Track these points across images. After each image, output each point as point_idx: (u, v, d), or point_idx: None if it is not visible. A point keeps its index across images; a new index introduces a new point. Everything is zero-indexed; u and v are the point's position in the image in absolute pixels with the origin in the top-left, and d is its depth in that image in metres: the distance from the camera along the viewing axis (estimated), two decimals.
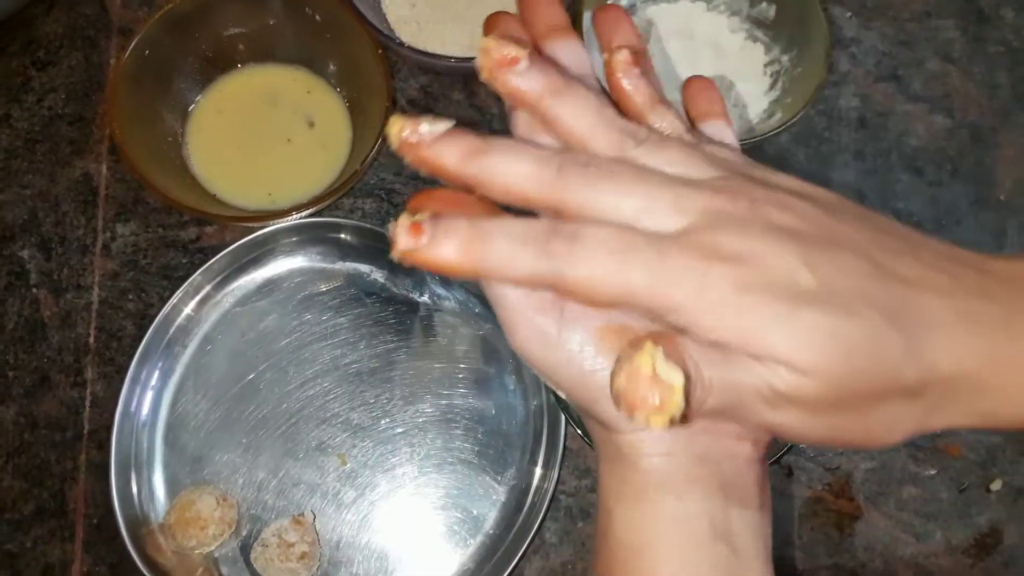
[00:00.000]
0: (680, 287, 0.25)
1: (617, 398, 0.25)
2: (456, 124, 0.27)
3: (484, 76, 0.28)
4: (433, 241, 0.25)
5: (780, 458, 0.54)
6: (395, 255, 0.26)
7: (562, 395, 0.30)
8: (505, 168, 0.26)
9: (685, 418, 0.24)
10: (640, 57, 0.32)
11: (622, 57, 0.31)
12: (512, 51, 0.27)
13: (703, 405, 0.25)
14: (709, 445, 0.29)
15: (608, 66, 0.32)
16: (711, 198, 0.26)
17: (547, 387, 0.54)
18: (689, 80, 0.35)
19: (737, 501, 0.29)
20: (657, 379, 0.24)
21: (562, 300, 0.29)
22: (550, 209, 0.27)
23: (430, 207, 0.29)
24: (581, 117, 0.28)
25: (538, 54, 0.29)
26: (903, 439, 0.27)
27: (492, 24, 0.33)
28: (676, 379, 0.24)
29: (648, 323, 0.29)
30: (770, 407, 0.26)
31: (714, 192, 0.26)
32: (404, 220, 0.26)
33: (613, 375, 0.25)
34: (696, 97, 0.35)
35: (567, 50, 0.32)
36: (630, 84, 0.31)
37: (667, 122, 0.31)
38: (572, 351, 0.28)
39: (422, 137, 0.26)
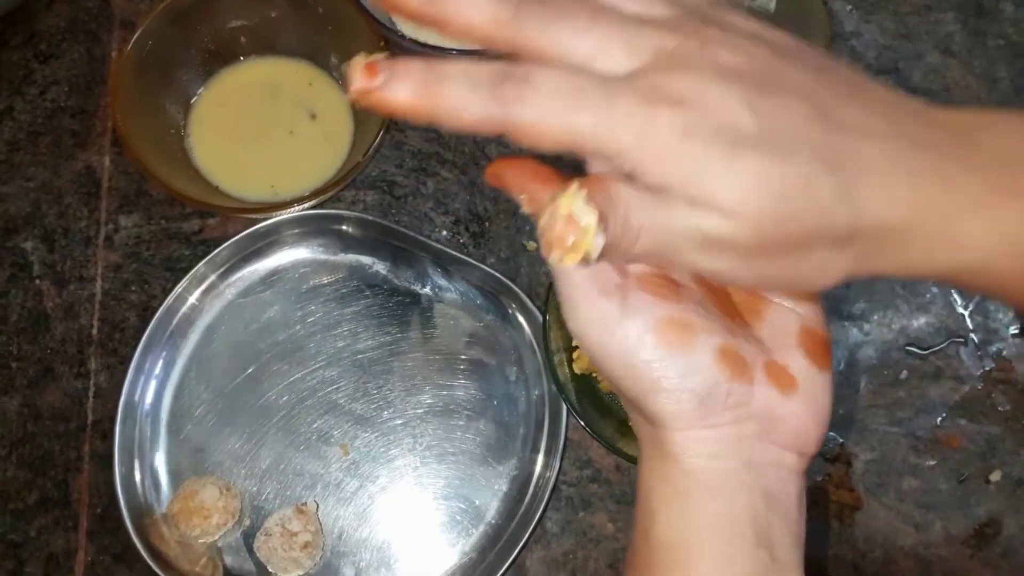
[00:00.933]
0: (625, 132, 0.24)
1: (539, 236, 0.25)
2: None
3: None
4: (388, 82, 0.25)
5: None
6: (350, 95, 0.25)
7: (609, 381, 0.30)
8: (465, 7, 0.26)
9: (601, 257, 0.25)
10: None
11: None
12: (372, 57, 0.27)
13: (631, 248, 0.25)
14: (757, 452, 0.29)
15: None
16: (663, 38, 0.26)
17: (549, 378, 0.54)
18: None
19: (779, 510, 0.29)
20: (572, 219, 0.24)
21: (627, 287, 0.28)
22: (508, 49, 0.26)
23: (508, 175, 0.29)
24: None
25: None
26: (834, 284, 0.27)
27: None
28: (589, 219, 0.24)
29: (705, 316, 0.29)
30: (702, 251, 0.26)
31: (667, 32, 0.26)
32: (360, 59, 0.25)
33: (539, 215, 0.25)
34: None
35: None
36: None
37: None
38: (630, 339, 0.28)
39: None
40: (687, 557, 0.29)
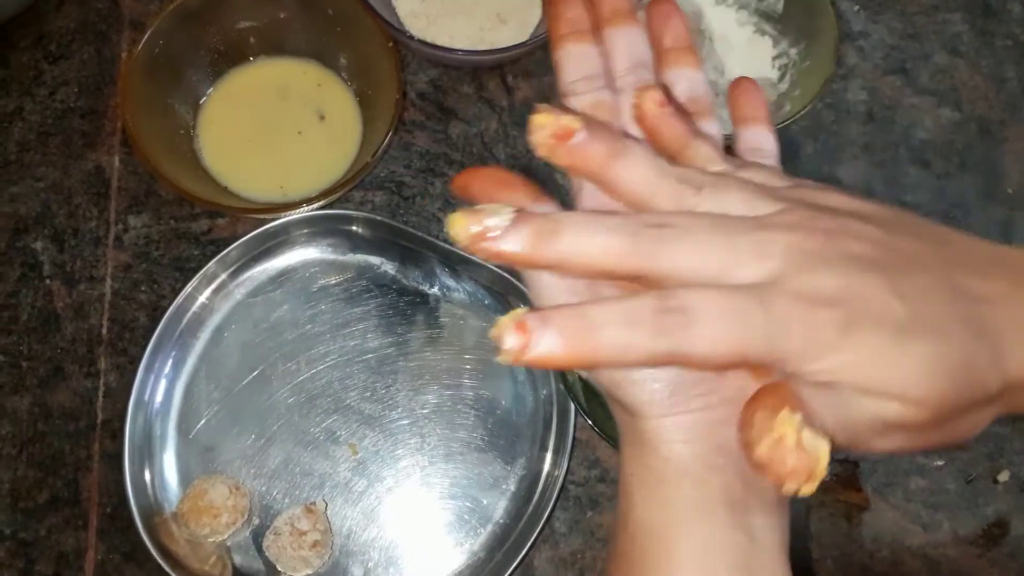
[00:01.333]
0: (790, 338, 0.25)
1: (759, 466, 0.25)
2: (516, 210, 0.26)
3: (542, 152, 0.28)
4: (542, 340, 0.24)
5: None
6: (502, 359, 0.24)
7: (584, 375, 0.30)
8: (580, 247, 0.26)
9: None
10: (671, 95, 0.32)
11: (652, 100, 0.31)
12: (567, 122, 0.28)
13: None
14: (730, 435, 0.29)
15: (638, 109, 0.31)
16: (788, 238, 0.27)
17: (556, 377, 0.54)
18: (736, 81, 0.36)
19: (756, 492, 0.29)
20: (803, 448, 0.24)
21: (596, 285, 0.29)
22: (635, 279, 0.27)
23: (474, 185, 0.30)
24: (640, 175, 0.28)
25: (590, 121, 0.29)
26: (979, 432, 0.29)
27: (554, 6, 0.34)
28: (822, 448, 0.24)
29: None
30: (880, 436, 0.27)
31: (789, 231, 0.27)
32: (508, 321, 0.24)
33: (751, 442, 0.25)
34: (740, 100, 0.36)
35: (628, 37, 0.33)
36: (663, 124, 0.31)
37: (703, 154, 0.31)
38: None
39: (490, 231, 0.26)
40: (664, 540, 0.29)
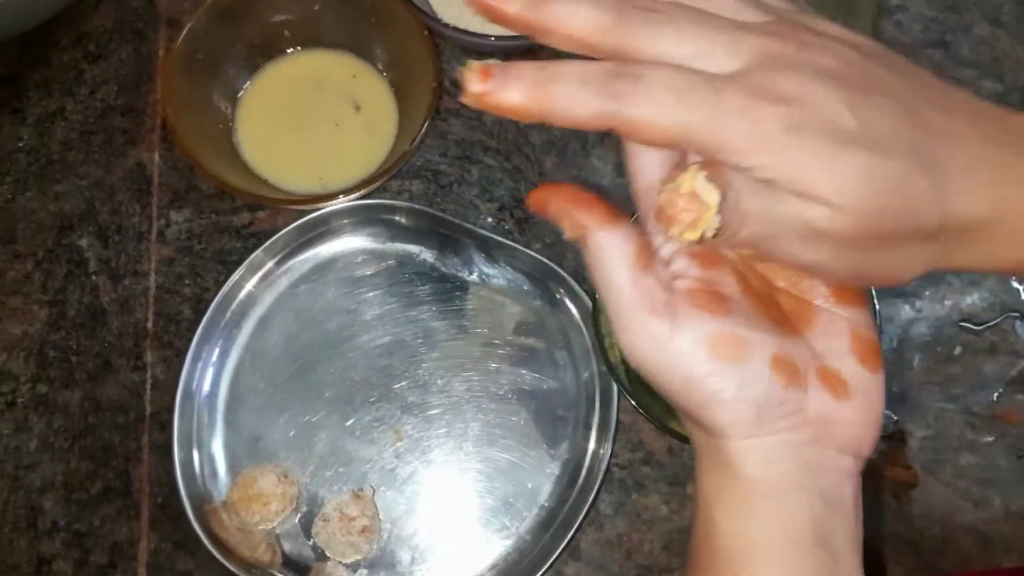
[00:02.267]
0: (734, 126, 0.26)
1: (657, 212, 0.26)
2: None
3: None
4: (502, 84, 0.26)
5: None
6: (466, 99, 0.27)
7: (664, 395, 0.31)
8: (567, 15, 0.27)
9: (714, 238, 0.26)
10: None
11: None
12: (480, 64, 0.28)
13: (738, 233, 0.26)
14: (813, 456, 0.29)
15: None
16: (763, 41, 0.27)
17: (598, 359, 0.54)
18: None
19: (837, 512, 0.30)
20: (695, 196, 0.25)
21: (675, 304, 0.29)
22: (612, 55, 0.27)
23: (552, 203, 0.30)
24: None
25: None
26: (914, 278, 0.29)
27: None
28: (712, 197, 0.25)
29: (756, 327, 0.29)
30: (802, 242, 0.27)
31: (766, 35, 0.27)
32: (475, 65, 0.26)
33: (658, 192, 0.26)
34: None
35: None
36: None
37: None
38: (684, 354, 0.28)
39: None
40: (749, 561, 0.30)
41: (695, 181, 0.25)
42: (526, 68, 0.26)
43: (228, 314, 0.56)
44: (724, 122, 0.26)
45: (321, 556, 0.53)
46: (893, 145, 0.26)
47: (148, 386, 0.56)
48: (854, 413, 0.30)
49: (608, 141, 0.61)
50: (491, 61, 0.26)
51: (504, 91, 0.26)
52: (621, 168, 0.61)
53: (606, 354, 0.51)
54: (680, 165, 0.27)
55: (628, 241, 0.29)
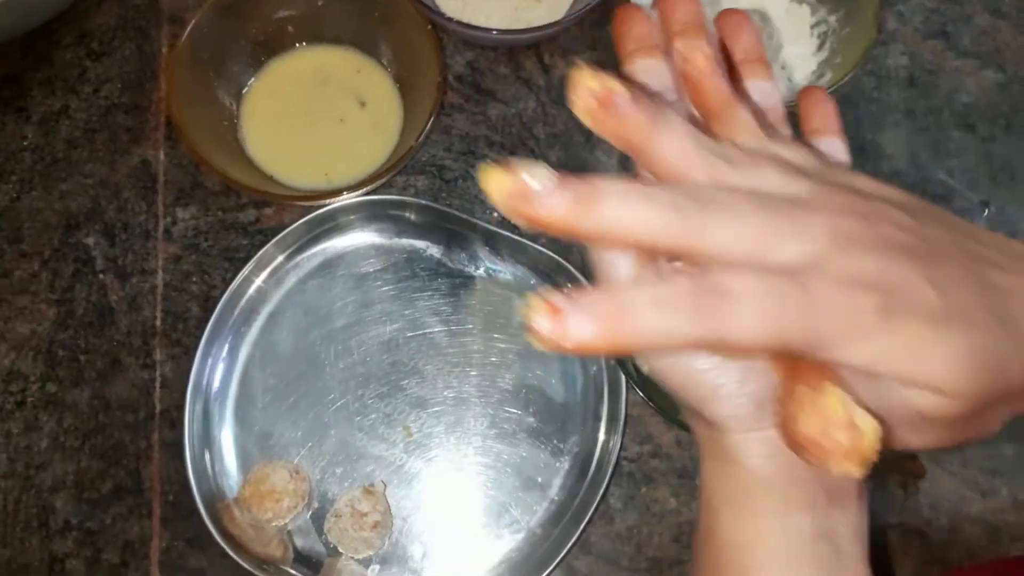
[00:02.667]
0: (828, 321, 0.24)
1: (804, 443, 0.24)
2: (554, 169, 0.25)
3: (582, 114, 0.26)
4: (575, 325, 0.23)
5: None
6: (536, 344, 0.23)
7: (666, 389, 0.31)
8: (622, 217, 0.24)
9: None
10: (720, 57, 0.32)
11: (701, 53, 0.31)
12: (611, 84, 0.26)
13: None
14: None
15: (686, 63, 0.31)
16: (827, 220, 0.26)
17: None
18: (805, 91, 0.36)
19: (839, 503, 0.30)
20: (853, 426, 0.23)
21: (658, 261, 0.29)
22: (672, 254, 0.26)
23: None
24: (678, 146, 0.27)
25: (631, 87, 0.27)
26: (1001, 429, 0.29)
27: (623, 20, 0.33)
28: (871, 425, 0.23)
29: None
30: (912, 429, 0.27)
31: (826, 213, 0.26)
32: (537, 302, 0.23)
33: (790, 419, 0.24)
34: (810, 110, 0.35)
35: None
36: (709, 81, 0.31)
37: (743, 120, 0.30)
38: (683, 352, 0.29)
39: (528, 191, 0.24)
40: (752, 553, 0.30)
41: (847, 408, 0.24)
42: (597, 302, 0.23)
43: (237, 311, 0.56)
44: (818, 318, 0.24)
45: (333, 552, 0.53)
46: (978, 315, 0.26)
47: (157, 384, 0.56)
48: None
49: None
50: (554, 297, 0.23)
51: (577, 331, 0.23)
52: (625, 162, 0.61)
53: None
54: (794, 376, 0.25)
55: None
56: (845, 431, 0.23)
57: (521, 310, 0.24)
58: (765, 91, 0.34)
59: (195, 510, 0.52)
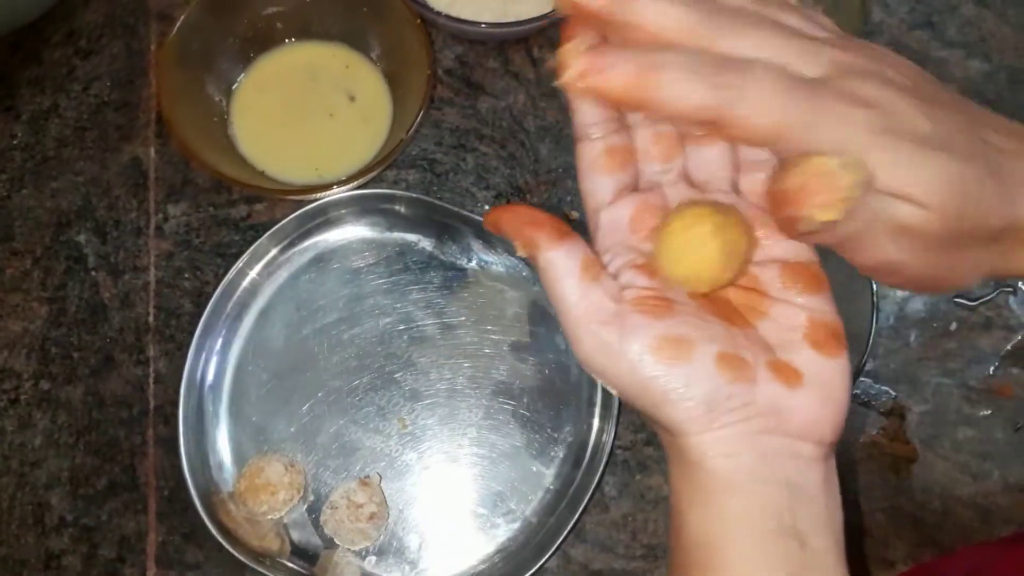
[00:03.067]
0: (826, 127, 0.27)
1: (787, 197, 0.27)
2: None
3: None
4: (605, 65, 0.26)
5: None
6: (565, 80, 0.26)
7: (624, 400, 0.32)
8: (655, 12, 0.27)
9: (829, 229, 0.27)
10: None
11: None
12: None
13: (845, 225, 0.27)
14: (770, 444, 0.30)
15: None
16: (838, 52, 0.28)
17: None
18: None
19: (803, 498, 0.30)
20: (832, 175, 0.26)
21: (623, 313, 0.30)
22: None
23: (505, 223, 0.32)
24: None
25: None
26: (977, 281, 0.30)
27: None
28: (853, 161, 0.26)
29: (701, 326, 0.30)
30: (891, 239, 0.28)
31: (838, 48, 0.28)
32: (578, 43, 0.26)
33: (776, 183, 0.27)
34: None
35: None
36: None
37: None
38: (633, 360, 0.30)
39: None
40: (717, 553, 0.30)
41: (833, 162, 0.26)
42: (628, 51, 0.26)
43: (230, 305, 0.56)
44: (818, 123, 0.27)
45: (329, 544, 0.53)
46: (967, 152, 0.28)
47: (151, 380, 0.56)
48: (808, 400, 0.30)
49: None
50: (585, 42, 0.26)
51: (606, 72, 0.26)
52: None
53: None
54: (789, 161, 0.27)
55: (574, 256, 0.31)
56: (830, 173, 0.26)
57: (560, 51, 0.26)
58: None
59: (191, 504, 0.52)
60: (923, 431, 0.56)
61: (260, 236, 0.56)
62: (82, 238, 0.59)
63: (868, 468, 0.56)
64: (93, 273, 0.58)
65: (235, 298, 0.56)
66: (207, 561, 0.53)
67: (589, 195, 0.34)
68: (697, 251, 0.30)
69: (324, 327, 0.57)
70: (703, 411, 0.30)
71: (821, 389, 0.31)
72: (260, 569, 0.50)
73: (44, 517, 0.54)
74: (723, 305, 0.32)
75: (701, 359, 0.30)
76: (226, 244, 0.58)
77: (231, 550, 0.51)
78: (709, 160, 0.34)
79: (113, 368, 0.56)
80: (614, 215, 0.33)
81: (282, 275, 0.57)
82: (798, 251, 0.33)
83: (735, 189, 0.34)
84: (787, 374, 0.31)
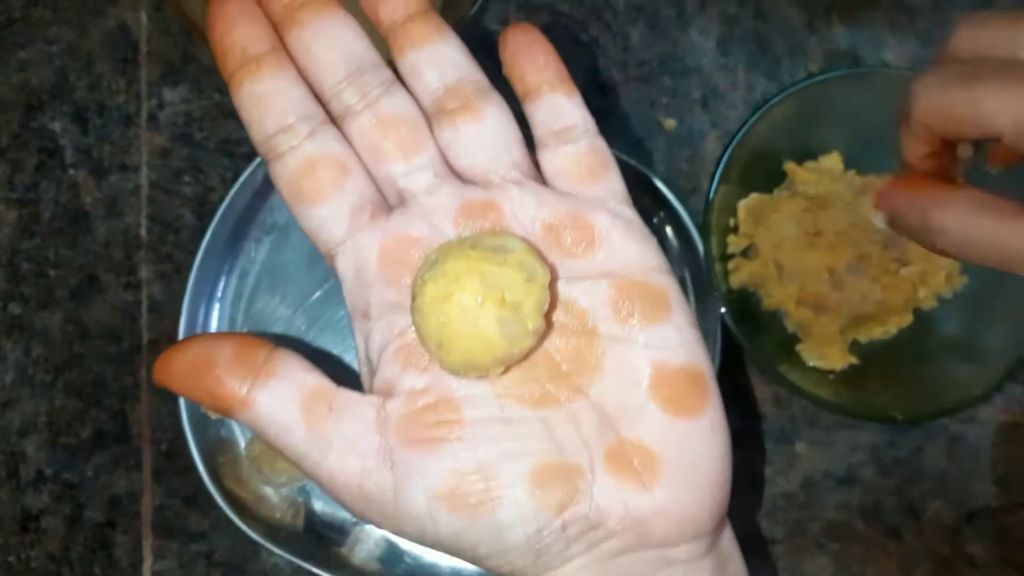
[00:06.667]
0: None
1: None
2: None
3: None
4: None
5: None
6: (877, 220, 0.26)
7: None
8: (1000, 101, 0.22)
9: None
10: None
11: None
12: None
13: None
14: (634, 565, 0.25)
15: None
16: None
17: (702, 288, 0.44)
18: (506, 32, 0.31)
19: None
20: None
21: (392, 449, 0.25)
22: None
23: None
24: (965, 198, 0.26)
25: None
26: None
27: (214, 31, 0.29)
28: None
29: (502, 441, 0.25)
30: None
31: None
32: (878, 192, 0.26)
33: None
34: (518, 59, 0.31)
35: (328, 32, 0.28)
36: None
37: None
38: (421, 516, 0.24)
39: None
40: None
41: None
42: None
43: (240, 220, 0.45)
44: None
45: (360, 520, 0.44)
46: None
47: (144, 308, 0.46)
48: (670, 494, 0.24)
49: (710, 11, 0.49)
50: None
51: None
52: (725, 45, 0.49)
53: (714, 285, 0.41)
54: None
55: (287, 396, 0.26)
56: None
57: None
58: (566, 108, 0.29)
59: (193, 464, 0.43)
60: None
61: None
62: (57, 125, 0.47)
63: (1008, 454, 0.46)
64: (71, 171, 0.47)
65: (247, 210, 0.45)
66: (213, 531, 0.45)
67: (312, 234, 0.27)
68: (466, 329, 0.24)
69: None
70: (532, 557, 0.24)
71: (684, 472, 0.25)
72: (277, 550, 0.42)
73: (19, 469, 0.45)
74: (540, 370, 0.25)
75: (510, 491, 0.24)
76: (235, 141, 0.47)
77: (238, 523, 0.42)
78: (479, 139, 0.27)
79: (98, 291, 0.46)
80: (353, 260, 0.27)
81: None
82: (630, 258, 0.26)
83: (527, 172, 0.27)
84: (634, 468, 0.24)
